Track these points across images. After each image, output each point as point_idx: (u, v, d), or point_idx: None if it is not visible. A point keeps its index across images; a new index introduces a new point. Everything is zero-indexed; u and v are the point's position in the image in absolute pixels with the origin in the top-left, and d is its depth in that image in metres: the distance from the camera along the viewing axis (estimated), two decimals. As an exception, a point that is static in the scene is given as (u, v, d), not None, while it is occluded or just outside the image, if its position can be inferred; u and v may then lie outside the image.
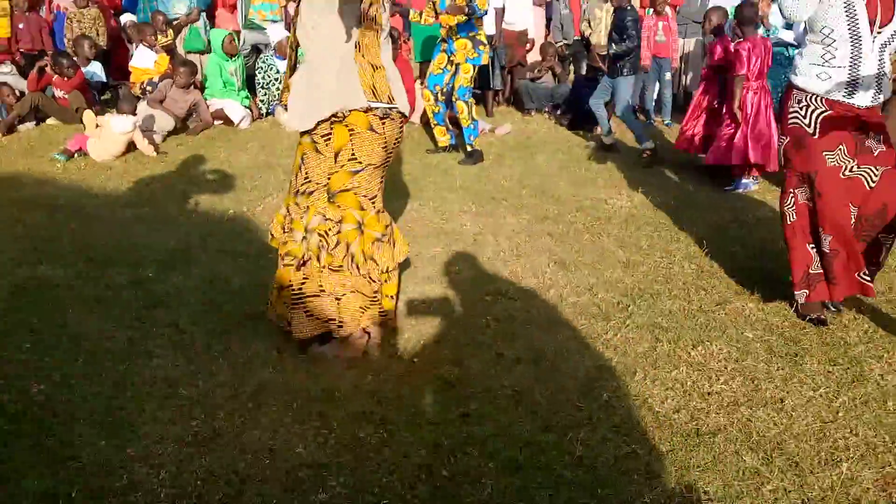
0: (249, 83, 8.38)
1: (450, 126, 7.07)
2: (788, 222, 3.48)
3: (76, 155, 6.27)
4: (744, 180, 6.00)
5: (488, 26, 7.50)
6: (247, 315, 3.44)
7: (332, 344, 3.09)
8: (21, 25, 8.37)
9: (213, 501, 2.23)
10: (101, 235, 4.48)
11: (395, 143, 2.99)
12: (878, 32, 3.24)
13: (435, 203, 5.27)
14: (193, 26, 8.74)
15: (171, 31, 8.42)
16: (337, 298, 3.00)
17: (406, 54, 8.71)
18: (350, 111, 2.85)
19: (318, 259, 2.96)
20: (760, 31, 6.86)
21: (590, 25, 8.44)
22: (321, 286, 2.98)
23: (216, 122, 7.76)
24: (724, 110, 6.17)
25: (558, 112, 8.68)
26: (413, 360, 3.08)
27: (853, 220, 3.36)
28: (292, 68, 3.08)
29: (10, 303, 3.53)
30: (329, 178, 2.93)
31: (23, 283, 3.76)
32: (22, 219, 4.72)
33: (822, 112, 3.34)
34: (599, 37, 8.15)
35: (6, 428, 2.55)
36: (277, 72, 8.15)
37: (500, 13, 8.44)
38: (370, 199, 2.99)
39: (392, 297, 3.19)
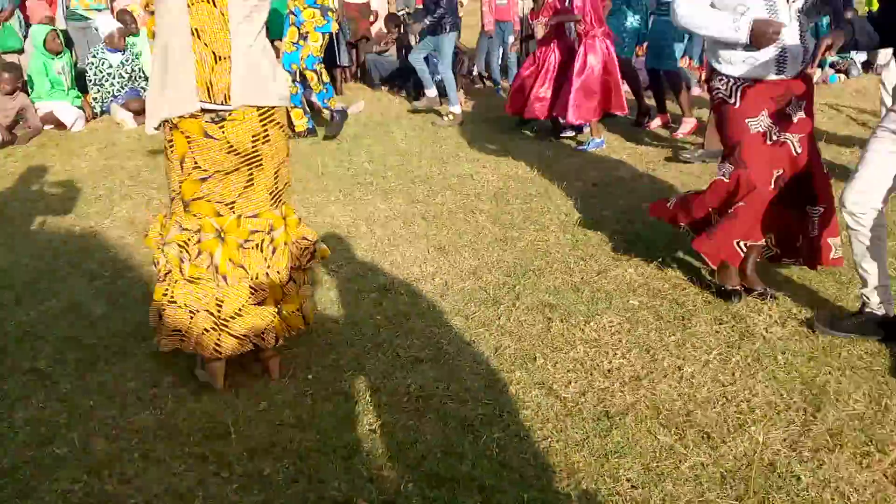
0: (80, 80, 7.65)
1: (307, 109, 6.79)
2: (710, 190, 3.35)
3: None
4: (595, 139, 6.17)
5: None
6: (113, 349, 3.10)
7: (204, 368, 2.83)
8: None
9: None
10: (-81, 271, 3.91)
11: (256, 141, 2.62)
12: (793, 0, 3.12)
13: (300, 195, 5.01)
14: (6, 24, 7.84)
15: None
16: (192, 313, 2.71)
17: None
18: (179, 117, 2.54)
19: (181, 271, 2.68)
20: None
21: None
22: (174, 298, 2.70)
23: (46, 127, 7.04)
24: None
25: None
26: (308, 377, 2.88)
27: (776, 185, 3.25)
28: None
29: None
30: (180, 186, 2.66)
31: None
32: None
33: (744, 83, 3.22)
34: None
35: None
36: (110, 66, 7.47)
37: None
38: (227, 205, 2.67)
39: (297, 311, 2.89)
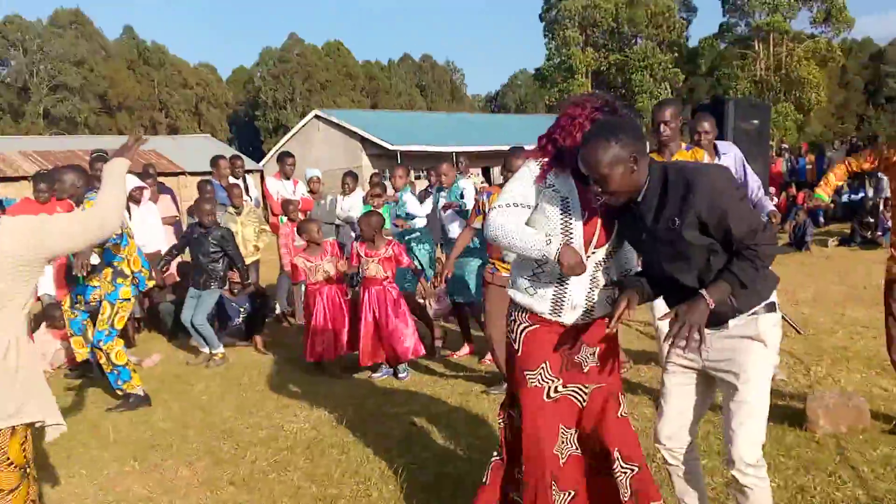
0: None
1: (89, 338, 6.17)
2: (498, 445, 3.24)
3: None
4: (385, 368, 6.33)
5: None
6: None
7: None
8: None
9: None
10: None
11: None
12: (593, 252, 2.90)
13: (87, 468, 4.42)
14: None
15: None
16: None
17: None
18: None
19: None
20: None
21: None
22: None
23: None
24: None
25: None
26: None
27: (572, 445, 3.01)
28: None
29: None
30: None
31: None
32: None
33: (527, 327, 2.99)
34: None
35: None
36: None
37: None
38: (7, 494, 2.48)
39: None
